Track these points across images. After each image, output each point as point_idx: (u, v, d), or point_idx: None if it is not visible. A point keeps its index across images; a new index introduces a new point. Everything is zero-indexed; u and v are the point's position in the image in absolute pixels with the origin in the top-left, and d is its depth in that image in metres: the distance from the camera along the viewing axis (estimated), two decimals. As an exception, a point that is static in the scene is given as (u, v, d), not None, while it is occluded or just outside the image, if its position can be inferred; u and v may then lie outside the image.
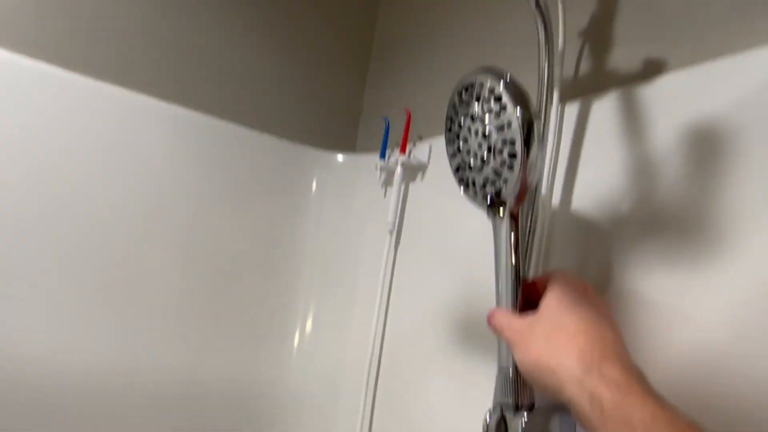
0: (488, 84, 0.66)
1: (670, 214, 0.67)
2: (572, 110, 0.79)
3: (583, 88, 0.80)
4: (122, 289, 0.99)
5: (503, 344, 0.67)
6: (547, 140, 0.77)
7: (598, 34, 0.81)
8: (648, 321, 0.65)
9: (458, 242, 0.93)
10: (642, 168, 0.71)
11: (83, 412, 0.94)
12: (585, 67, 0.81)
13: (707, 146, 0.65)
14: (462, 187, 0.73)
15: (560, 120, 0.79)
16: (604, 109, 0.76)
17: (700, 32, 0.70)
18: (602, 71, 0.79)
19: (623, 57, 0.77)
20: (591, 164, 0.76)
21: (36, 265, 0.92)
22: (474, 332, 0.86)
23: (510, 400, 0.65)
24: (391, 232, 1.03)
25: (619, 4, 0.79)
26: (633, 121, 0.73)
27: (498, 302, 0.68)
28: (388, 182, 1.10)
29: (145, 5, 1.06)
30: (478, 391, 0.80)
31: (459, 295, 0.90)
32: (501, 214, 0.68)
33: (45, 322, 0.92)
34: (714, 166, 0.64)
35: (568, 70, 0.82)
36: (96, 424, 0.95)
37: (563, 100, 0.80)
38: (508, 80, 0.65)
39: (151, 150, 1.03)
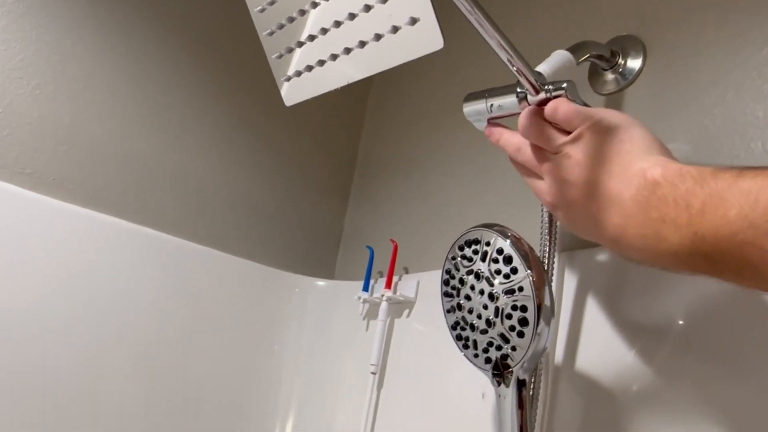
0: (496, 243, 0.63)
1: (678, 371, 0.63)
2: (575, 259, 0.76)
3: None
4: (73, 412, 0.89)
5: None
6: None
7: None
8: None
9: (449, 389, 0.87)
10: (650, 322, 0.67)
11: None
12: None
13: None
14: (461, 346, 0.67)
15: (562, 271, 0.75)
16: (607, 259, 0.73)
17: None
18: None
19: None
20: (595, 318, 0.72)
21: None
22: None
23: None
24: (374, 374, 0.96)
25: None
26: (635, 271, 0.69)
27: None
28: (371, 315, 1.04)
29: (117, 123, 1.01)
30: None
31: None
32: (506, 382, 0.63)
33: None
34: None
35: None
36: None
37: (565, 250, 0.76)
38: (517, 240, 0.62)
39: (125, 275, 0.96)
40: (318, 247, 1.22)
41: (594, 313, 0.72)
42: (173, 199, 1.06)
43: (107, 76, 1.01)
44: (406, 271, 1.02)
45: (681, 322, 0.64)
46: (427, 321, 0.95)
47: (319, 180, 1.24)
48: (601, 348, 0.70)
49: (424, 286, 0.97)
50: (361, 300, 1.02)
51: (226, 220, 1.11)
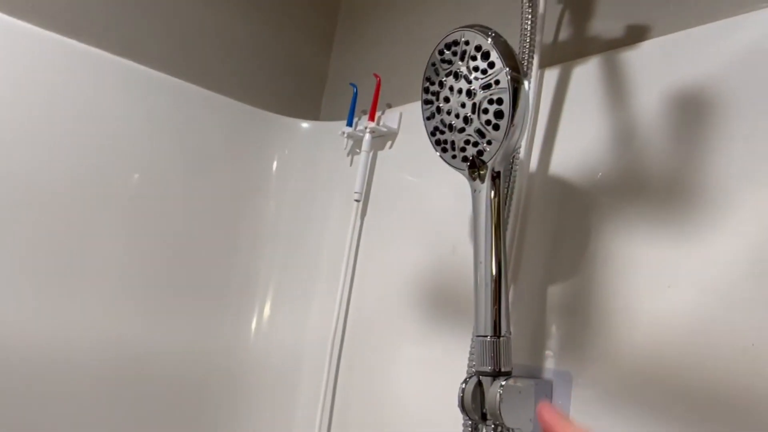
0: (474, 41, 0.64)
1: (652, 180, 0.66)
2: (552, 75, 0.77)
3: (563, 54, 0.79)
4: (67, 258, 0.92)
5: (481, 312, 0.65)
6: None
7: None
8: (627, 288, 0.64)
9: (428, 212, 0.91)
10: (623, 133, 0.70)
11: (23, 390, 0.87)
12: (566, 32, 0.80)
13: (691, 111, 0.65)
14: (439, 150, 0.70)
15: (540, 85, 0.77)
16: (585, 74, 0.75)
17: (684, -1, 0.69)
18: (583, 37, 0.78)
19: (605, 22, 0.76)
20: (570, 129, 0.75)
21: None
22: (445, 303, 0.84)
23: (488, 368, 0.64)
24: (357, 201, 0.99)
25: (601, -31, 0.78)
26: (615, 86, 0.72)
27: (476, 266, 0.66)
28: (354, 150, 1.06)
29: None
30: (450, 362, 0.79)
31: (429, 265, 0.88)
32: (482, 177, 0.66)
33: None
34: (697, 131, 0.63)
35: (548, 36, 0.80)
36: (40, 404, 0.88)
37: (543, 66, 0.78)
38: (495, 36, 0.63)
39: (101, 107, 0.96)
40: (303, 88, 1.23)
41: (571, 124, 0.75)
42: (158, 33, 1.05)
43: None
44: (389, 107, 1.03)
45: (660, 129, 0.67)
46: (409, 151, 0.97)
47: (303, 20, 1.22)
48: (577, 157, 0.73)
49: (406, 118, 0.99)
50: (345, 135, 1.05)
51: (212, 59, 1.11)
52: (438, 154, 0.70)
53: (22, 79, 0.90)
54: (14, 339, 0.87)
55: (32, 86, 0.91)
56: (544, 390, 0.66)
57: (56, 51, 0.93)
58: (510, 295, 0.67)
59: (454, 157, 0.68)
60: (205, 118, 1.08)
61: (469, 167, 0.67)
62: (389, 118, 1.00)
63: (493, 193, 0.65)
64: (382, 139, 1.02)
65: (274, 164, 1.15)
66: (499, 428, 0.64)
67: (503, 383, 0.62)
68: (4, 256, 0.87)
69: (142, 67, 1.01)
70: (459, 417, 0.71)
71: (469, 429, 0.67)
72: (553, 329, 0.69)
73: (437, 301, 0.86)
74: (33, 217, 0.89)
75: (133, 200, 0.98)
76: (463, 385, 0.65)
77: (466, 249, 0.82)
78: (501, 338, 0.63)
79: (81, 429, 0.91)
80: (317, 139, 1.16)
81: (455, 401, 0.67)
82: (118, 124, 0.98)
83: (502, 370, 0.63)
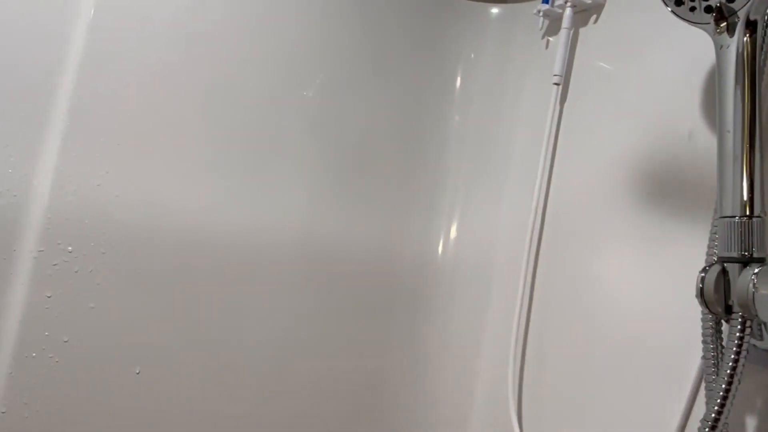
0: None
1: None
2: None
3: None
4: (261, 149, 0.93)
5: (728, 189, 0.55)
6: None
7: None
8: None
9: (646, 91, 0.80)
10: None
11: (225, 270, 0.90)
12: None
13: None
14: (672, 4, 0.60)
15: None
16: None
17: None
18: None
19: None
20: None
21: (180, 124, 0.89)
22: (663, 187, 0.74)
23: (736, 253, 0.55)
24: (557, 84, 0.90)
25: None
26: None
27: (722, 135, 0.56)
28: (551, 31, 0.96)
29: None
30: (671, 254, 0.70)
31: (641, 148, 0.78)
32: (731, 29, 0.55)
33: (189, 179, 0.89)
34: None
35: None
36: (238, 283, 0.92)
37: None
38: None
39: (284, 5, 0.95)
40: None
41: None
42: None
43: None
44: (591, -24, 0.92)
45: None
46: (620, 24, 0.86)
47: None
48: None
49: (614, -15, 0.87)
50: (540, 13, 0.95)
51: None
52: (669, 9, 0.60)
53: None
54: (219, 223, 0.91)
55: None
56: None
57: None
58: (765, 168, 0.56)
59: (692, 9, 0.58)
60: (389, 8, 1.03)
61: (715, 19, 0.56)
62: (592, -11, 0.89)
63: (746, 46, 0.54)
64: (585, 14, 0.91)
65: (462, 54, 1.08)
66: (748, 323, 0.55)
67: (757, 270, 0.53)
68: (214, 150, 0.91)
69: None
70: (681, 313, 0.64)
71: (710, 324, 0.59)
72: (820, 210, 0.57)
73: (655, 188, 0.76)
74: (232, 114, 0.92)
75: (321, 98, 0.97)
76: (703, 275, 0.57)
77: (699, 131, 0.71)
78: (754, 218, 0.54)
79: (273, 313, 0.94)
80: (508, 25, 1.06)
81: (675, 296, 0.60)
82: (302, 22, 0.96)
83: (755, 255, 0.54)
